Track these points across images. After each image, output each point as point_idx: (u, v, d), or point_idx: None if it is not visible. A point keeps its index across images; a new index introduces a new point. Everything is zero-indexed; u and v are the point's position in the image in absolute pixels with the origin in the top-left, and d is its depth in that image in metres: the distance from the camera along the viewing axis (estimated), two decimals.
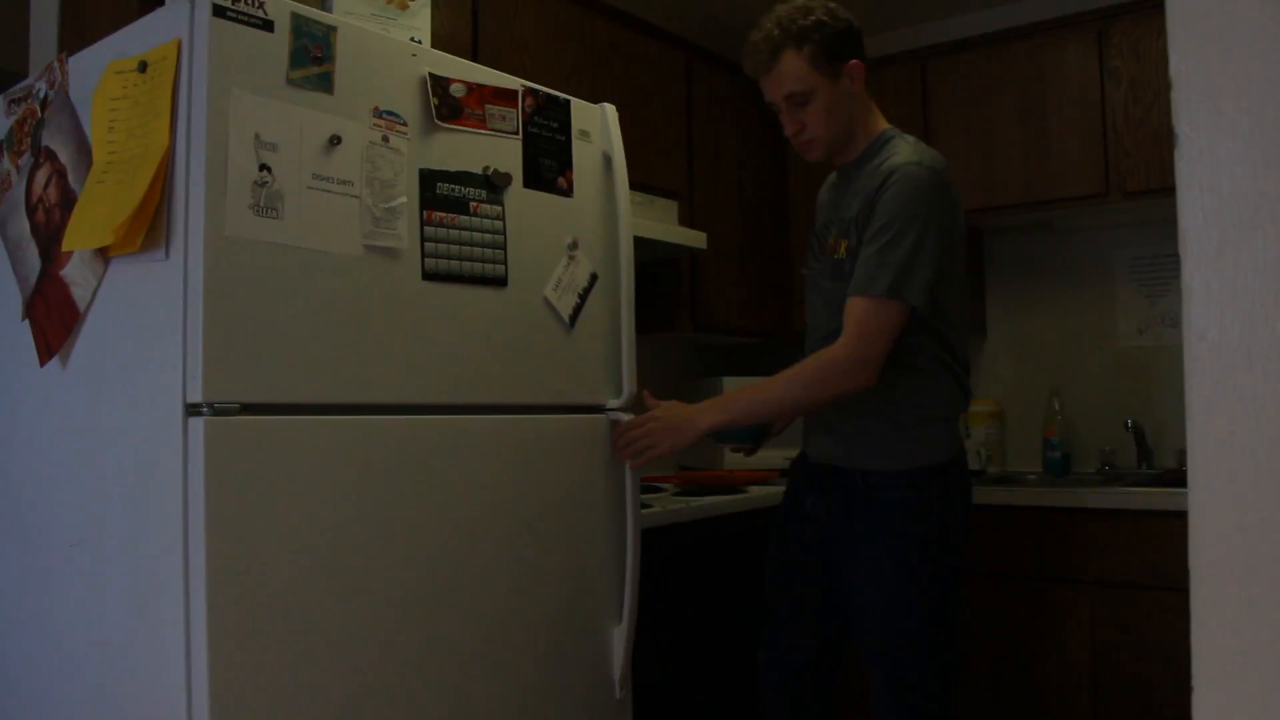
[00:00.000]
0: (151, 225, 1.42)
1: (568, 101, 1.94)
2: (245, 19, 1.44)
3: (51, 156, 1.64)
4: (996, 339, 3.36)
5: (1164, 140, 2.72)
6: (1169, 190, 2.43)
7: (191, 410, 1.37)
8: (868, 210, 1.78)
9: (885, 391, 1.79)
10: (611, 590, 1.96)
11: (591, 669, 1.92)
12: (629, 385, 2.00)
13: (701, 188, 3.12)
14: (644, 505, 2.29)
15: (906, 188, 1.74)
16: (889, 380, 1.78)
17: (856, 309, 1.74)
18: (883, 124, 1.93)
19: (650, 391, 1.98)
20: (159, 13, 1.51)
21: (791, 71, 1.82)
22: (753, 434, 2.08)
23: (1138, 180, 2.80)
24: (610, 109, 2.04)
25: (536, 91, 1.88)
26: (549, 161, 1.89)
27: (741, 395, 1.88)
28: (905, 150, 1.81)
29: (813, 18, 1.82)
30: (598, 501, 1.95)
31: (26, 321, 1.67)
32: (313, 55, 1.52)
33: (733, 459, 3.18)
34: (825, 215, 1.98)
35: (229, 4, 1.42)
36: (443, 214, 1.69)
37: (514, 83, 1.84)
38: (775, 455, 3.20)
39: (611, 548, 1.97)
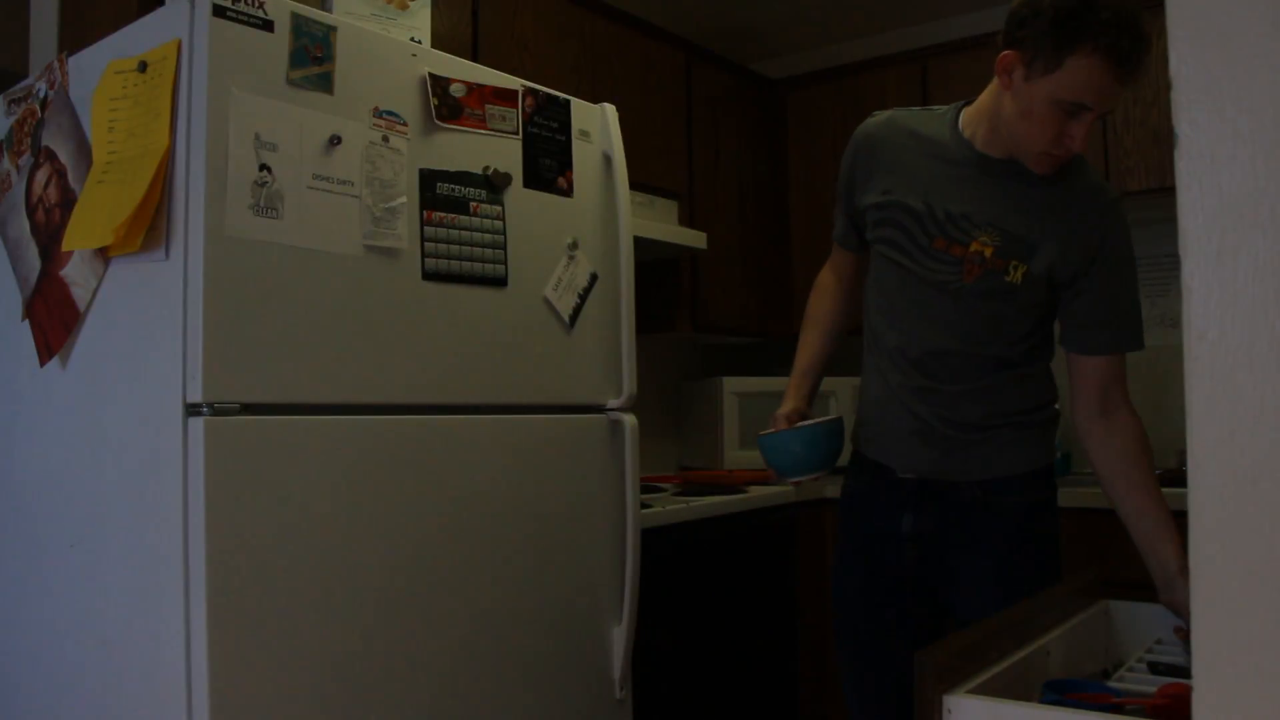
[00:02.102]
0: (151, 225, 1.43)
1: (568, 101, 1.94)
2: (245, 19, 1.44)
3: (51, 156, 1.64)
4: None
5: (1164, 140, 2.72)
6: (1169, 190, 2.43)
7: (191, 410, 1.37)
8: (1086, 248, 1.57)
9: (1008, 395, 1.67)
10: (612, 590, 1.96)
11: (591, 669, 1.92)
12: (629, 385, 2.00)
13: (701, 188, 3.12)
14: (644, 505, 2.29)
15: (1125, 225, 1.60)
16: (1011, 383, 1.67)
17: (1121, 365, 1.61)
18: None
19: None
20: (159, 13, 1.51)
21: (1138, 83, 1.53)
22: (822, 461, 1.76)
23: (1138, 180, 2.79)
24: (610, 109, 2.04)
25: (536, 91, 1.88)
26: (549, 161, 1.89)
27: (1167, 534, 1.53)
28: (1092, 174, 1.63)
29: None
30: (598, 501, 1.95)
31: (26, 321, 1.67)
32: (313, 55, 1.52)
33: (732, 459, 3.18)
34: (929, 196, 1.64)
35: (229, 4, 1.42)
36: (443, 214, 1.69)
37: (514, 83, 1.84)
38: None
39: (611, 548, 1.97)
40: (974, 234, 1.61)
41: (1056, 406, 1.75)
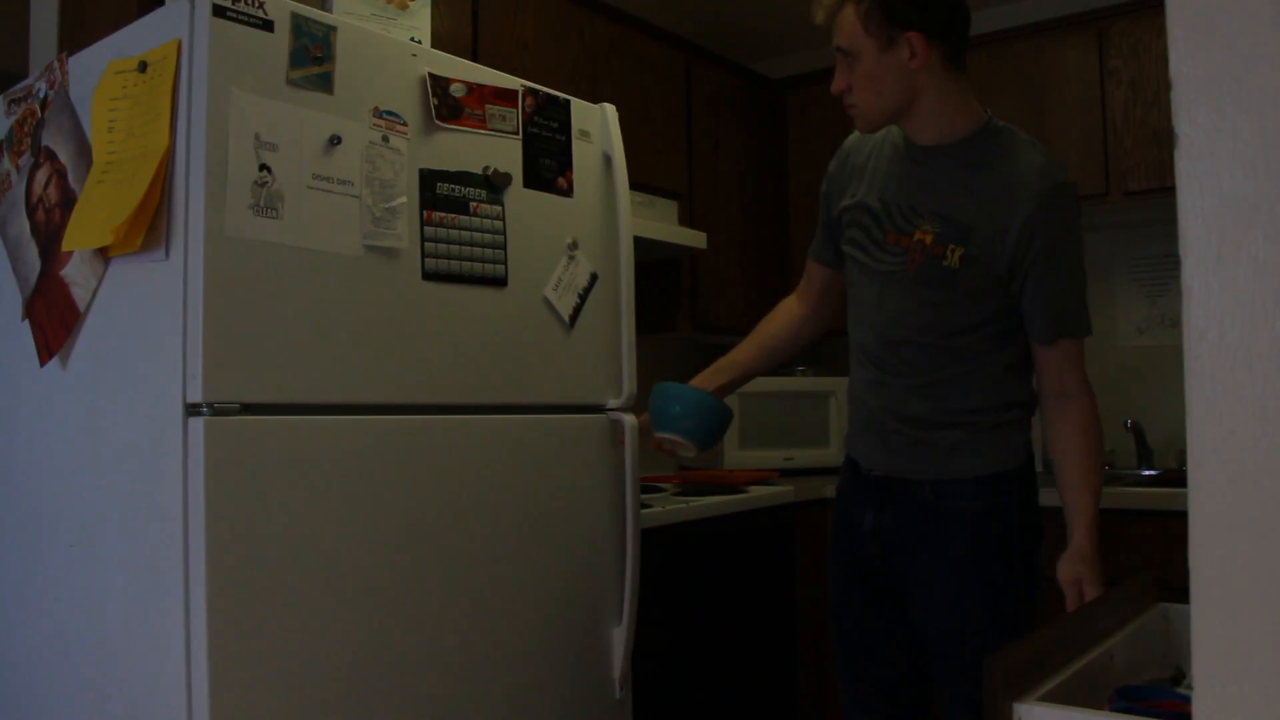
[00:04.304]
0: (151, 225, 1.42)
1: (568, 101, 1.94)
2: (245, 19, 1.44)
3: (51, 156, 1.64)
4: None
5: (1164, 140, 2.72)
6: (1169, 190, 2.43)
7: (191, 410, 1.37)
8: (1021, 233, 1.58)
9: (956, 392, 1.66)
10: (612, 590, 1.96)
11: (591, 668, 1.92)
12: (629, 385, 2.00)
13: (701, 188, 3.12)
14: (644, 505, 2.29)
15: (1071, 209, 1.62)
16: (962, 380, 1.66)
17: (1073, 352, 1.63)
18: (979, 111, 1.68)
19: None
20: (159, 13, 1.51)
21: (844, 25, 1.62)
22: (693, 428, 1.74)
23: (1138, 180, 2.80)
24: (610, 109, 2.04)
25: (536, 91, 1.88)
26: (549, 161, 1.89)
27: (1091, 504, 1.61)
28: (1038, 156, 1.63)
29: None
30: (598, 501, 1.95)
31: (26, 321, 1.67)
32: (313, 55, 1.52)
33: (733, 459, 3.18)
34: (884, 194, 1.71)
35: (229, 4, 1.42)
36: (443, 214, 1.69)
37: (514, 83, 1.84)
38: (775, 455, 3.21)
39: (612, 547, 1.97)
40: (917, 223, 1.66)
41: (1019, 411, 1.71)
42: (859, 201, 1.74)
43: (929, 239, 1.64)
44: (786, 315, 1.97)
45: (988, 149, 1.64)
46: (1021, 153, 1.63)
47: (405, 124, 1.65)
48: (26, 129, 1.72)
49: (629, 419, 1.99)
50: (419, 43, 1.82)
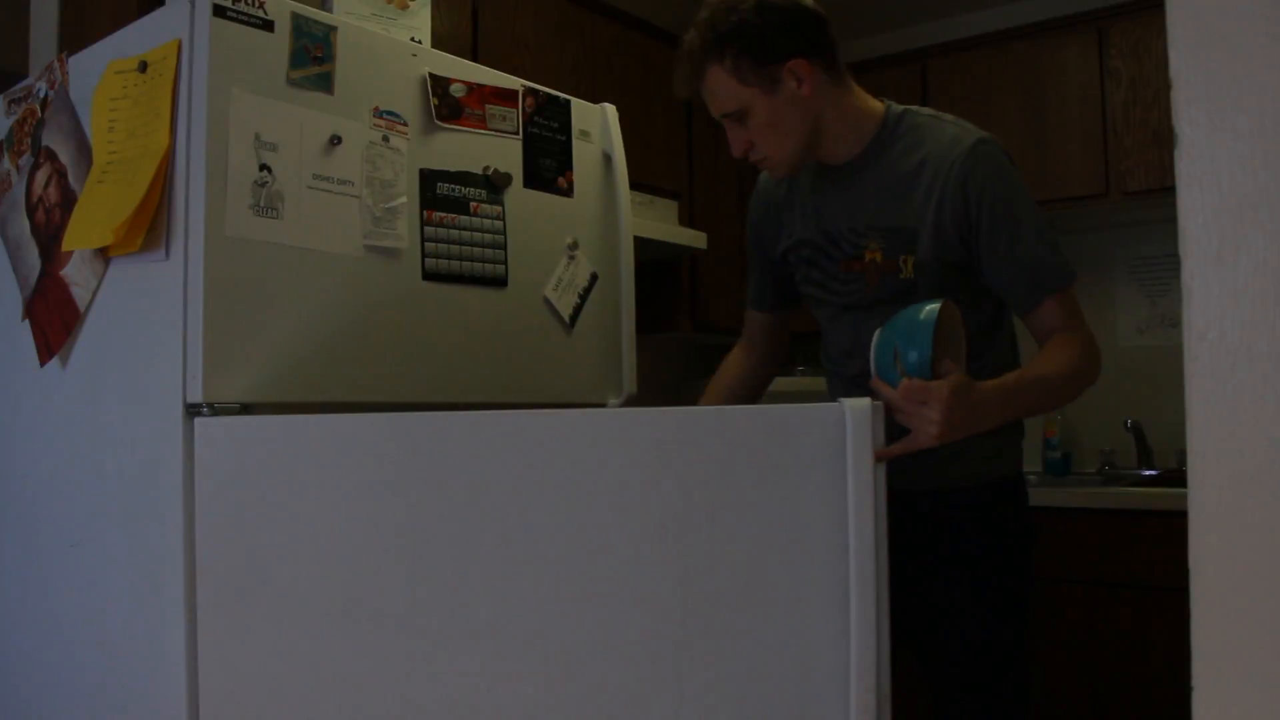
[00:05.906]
0: (151, 225, 1.43)
1: (568, 101, 1.94)
2: (245, 19, 1.44)
3: (51, 156, 1.64)
4: None
5: (1164, 140, 2.72)
6: (1169, 190, 2.43)
7: (191, 410, 1.37)
8: (954, 209, 1.50)
9: None
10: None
11: None
12: (629, 385, 2.00)
13: (701, 188, 3.12)
14: None
15: (996, 162, 1.51)
16: None
17: (1061, 305, 1.49)
18: (876, 106, 1.61)
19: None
20: (159, 13, 1.51)
21: (717, 90, 1.55)
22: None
23: (1138, 180, 2.80)
24: (610, 109, 2.04)
25: (536, 91, 1.88)
26: (549, 161, 1.89)
27: (1024, 388, 1.41)
28: (947, 127, 1.55)
29: (735, 17, 1.50)
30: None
31: (26, 321, 1.67)
32: (313, 55, 1.52)
33: None
34: (821, 224, 1.65)
35: (229, 4, 1.42)
36: (443, 214, 1.69)
37: (514, 83, 1.85)
38: None
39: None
40: (862, 244, 1.59)
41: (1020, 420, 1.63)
42: (799, 239, 1.68)
43: (879, 256, 1.58)
44: (738, 368, 1.88)
45: (896, 141, 1.57)
46: (928, 131, 1.56)
47: (405, 124, 1.65)
48: (26, 129, 1.72)
49: (852, 406, 1.10)
50: (419, 43, 1.83)
